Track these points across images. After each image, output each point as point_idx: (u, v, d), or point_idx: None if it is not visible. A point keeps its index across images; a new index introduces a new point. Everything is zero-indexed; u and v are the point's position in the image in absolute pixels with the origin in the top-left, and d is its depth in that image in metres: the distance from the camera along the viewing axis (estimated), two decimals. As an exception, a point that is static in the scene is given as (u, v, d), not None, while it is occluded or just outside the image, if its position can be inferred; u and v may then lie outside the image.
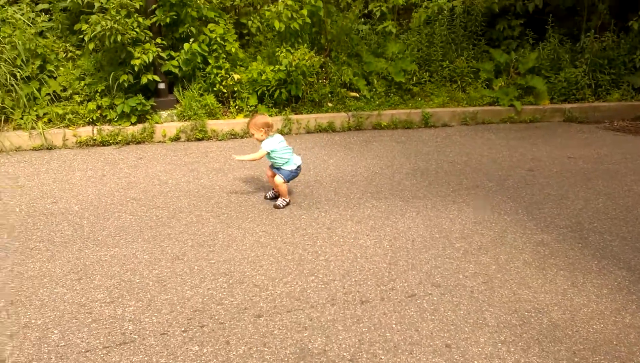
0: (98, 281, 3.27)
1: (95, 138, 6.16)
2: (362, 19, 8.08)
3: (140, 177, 5.15)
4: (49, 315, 2.92)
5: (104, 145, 6.16)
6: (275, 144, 4.35)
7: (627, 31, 7.99)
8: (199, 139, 6.45)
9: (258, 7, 7.53)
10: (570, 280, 3.24)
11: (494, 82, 7.86)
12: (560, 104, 7.73)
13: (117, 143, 6.20)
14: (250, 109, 6.84)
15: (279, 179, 4.36)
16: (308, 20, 6.82)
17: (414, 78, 7.64)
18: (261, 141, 4.39)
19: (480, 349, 2.62)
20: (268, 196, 4.55)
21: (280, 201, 4.41)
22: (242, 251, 3.63)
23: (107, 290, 3.16)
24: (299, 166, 4.45)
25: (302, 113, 6.99)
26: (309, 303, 3.00)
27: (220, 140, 6.48)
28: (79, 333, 2.77)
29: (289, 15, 6.65)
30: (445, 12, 7.83)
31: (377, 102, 7.26)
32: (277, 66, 6.78)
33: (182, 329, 2.79)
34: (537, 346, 2.64)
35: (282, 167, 4.41)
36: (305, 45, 6.93)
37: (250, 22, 7.53)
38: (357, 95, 7.33)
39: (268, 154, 4.36)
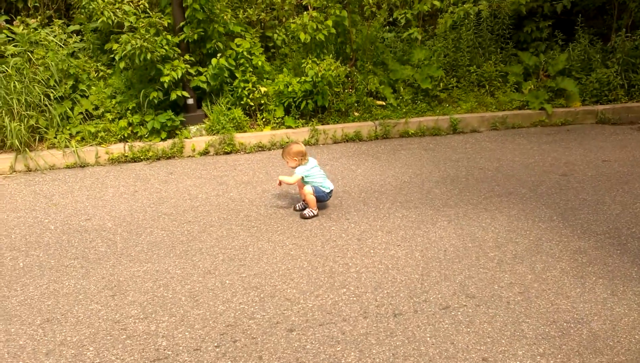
0: (132, 297, 3.31)
1: (126, 154, 6.28)
2: (387, 27, 8.06)
3: (171, 192, 5.21)
4: (84, 332, 2.96)
5: (135, 161, 6.27)
6: (309, 169, 4.46)
7: (661, 29, 7.77)
8: (227, 153, 6.50)
9: (283, 20, 7.58)
10: (610, 289, 3.13)
11: (523, 85, 7.72)
12: (592, 106, 7.54)
13: (148, 159, 6.30)
14: (277, 121, 6.87)
15: (308, 188, 4.37)
16: (333, 30, 6.84)
17: (441, 84, 7.56)
18: (295, 168, 4.46)
19: (518, 362, 2.55)
20: (297, 208, 4.56)
21: (307, 212, 4.40)
22: (272, 264, 3.63)
23: (141, 306, 3.19)
24: (331, 191, 4.53)
25: (328, 123, 6.99)
26: (341, 316, 2.97)
27: (248, 153, 6.52)
28: (113, 350, 2.80)
29: (314, 27, 6.68)
30: (472, 16, 7.74)
31: (404, 110, 7.21)
32: (303, 77, 6.80)
33: (215, 344, 2.79)
34: (577, 358, 2.56)
35: (316, 185, 4.46)
36: (331, 55, 6.94)
37: (275, 35, 7.59)
38: (384, 103, 7.30)
39: (302, 178, 4.48)
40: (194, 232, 4.25)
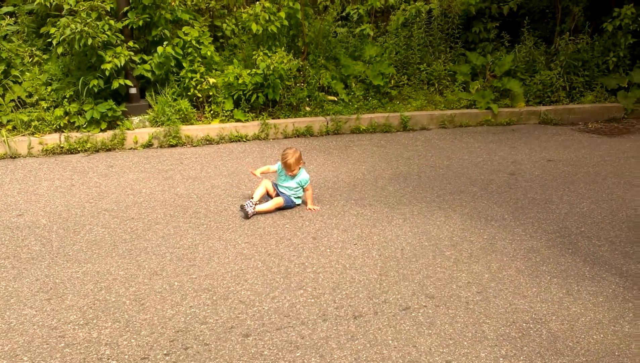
0: (70, 301, 3.05)
1: (62, 145, 5.88)
2: (340, 22, 7.97)
3: (112, 186, 4.91)
4: (17, 340, 2.69)
5: (72, 153, 5.88)
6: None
7: (601, 33, 8.07)
8: (172, 146, 6.22)
9: (234, 9, 7.33)
10: (565, 288, 3.16)
11: (471, 85, 7.84)
12: (535, 107, 7.75)
13: (86, 151, 5.93)
14: (226, 114, 6.64)
15: (280, 200, 4.31)
16: (286, 22, 6.67)
17: (392, 81, 7.55)
18: (295, 174, 4.36)
19: (480, 365, 2.51)
20: (246, 205, 4.30)
21: (248, 207, 4.20)
22: (224, 265, 3.45)
23: (81, 311, 2.94)
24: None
25: (279, 118, 6.83)
26: (299, 319, 2.84)
27: (195, 146, 6.26)
28: (50, 359, 2.55)
29: (267, 18, 6.48)
30: (423, 14, 7.77)
31: (356, 106, 7.15)
32: (254, 70, 6.60)
33: (165, 352, 2.60)
34: (539, 360, 2.55)
35: (292, 198, 4.35)
36: (283, 48, 6.77)
37: (225, 25, 7.34)
38: (335, 99, 7.21)
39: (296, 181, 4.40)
40: (138, 230, 3.99)
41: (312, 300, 3.02)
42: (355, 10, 7.85)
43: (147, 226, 4.06)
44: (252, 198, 4.35)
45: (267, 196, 4.47)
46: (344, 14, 7.89)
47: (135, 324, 2.82)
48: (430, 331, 2.74)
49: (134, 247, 3.71)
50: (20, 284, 3.22)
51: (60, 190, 4.81)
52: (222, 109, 6.66)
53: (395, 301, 3.01)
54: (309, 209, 4.36)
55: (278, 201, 4.31)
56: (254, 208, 4.22)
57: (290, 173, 4.33)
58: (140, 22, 6.07)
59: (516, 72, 7.95)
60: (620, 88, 7.98)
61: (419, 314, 2.88)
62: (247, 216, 4.16)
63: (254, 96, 6.62)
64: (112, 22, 5.85)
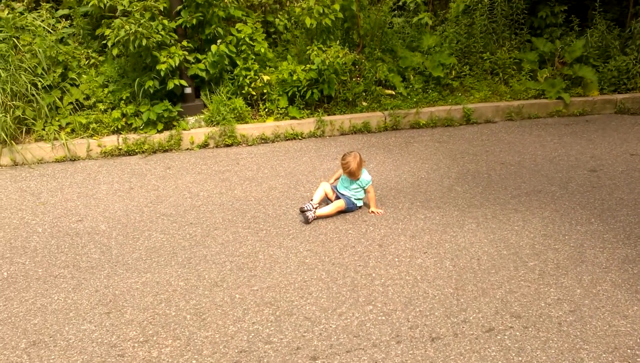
0: (129, 314, 2.93)
1: (120, 147, 5.86)
2: (396, 12, 7.63)
3: (170, 189, 4.81)
4: (75, 359, 2.58)
5: (129, 155, 5.86)
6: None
7: (683, 14, 7.38)
8: (228, 145, 6.10)
9: (288, 3, 7.12)
10: (673, 306, 2.78)
11: (539, 73, 7.34)
12: (610, 95, 7.17)
13: (143, 152, 5.89)
14: (280, 111, 6.46)
15: (341, 203, 4.06)
16: (340, 15, 6.40)
17: (453, 72, 7.16)
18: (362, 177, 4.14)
19: (582, 399, 2.20)
20: (306, 208, 4.08)
21: (310, 214, 3.99)
22: (286, 275, 3.25)
23: (140, 326, 2.81)
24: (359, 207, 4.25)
25: (335, 114, 6.58)
26: (370, 340, 2.60)
27: (250, 145, 6.12)
28: (111, 382, 2.42)
29: (320, 11, 6.24)
30: (485, 0, 7.31)
31: (415, 99, 6.81)
32: (308, 65, 6.38)
33: (228, 376, 2.42)
34: (652, 394, 2.21)
35: (353, 199, 4.11)
36: (338, 42, 6.51)
37: (277, 20, 7.15)
38: (393, 93, 6.90)
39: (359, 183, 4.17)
40: (197, 236, 3.86)
41: (383, 318, 2.78)
42: (412, -2, 7.49)
43: (205, 231, 3.92)
44: (311, 199, 4.13)
45: (327, 199, 4.24)
46: (400, 2, 7.53)
47: (197, 342, 2.66)
48: (520, 358, 2.44)
49: (193, 255, 3.57)
50: (80, 296, 3.13)
51: (119, 194, 4.76)
52: (277, 107, 6.48)
53: (476, 320, 2.72)
54: (372, 212, 4.10)
55: (339, 204, 4.08)
56: (314, 212, 4.00)
57: (355, 179, 4.08)
58: (194, 21, 5.96)
59: (588, 59, 7.37)
60: None
61: (505, 337, 2.58)
62: (307, 222, 3.95)
63: (309, 92, 6.40)
64: (165, 21, 5.76)
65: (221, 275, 3.29)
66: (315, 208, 4.03)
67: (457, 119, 6.70)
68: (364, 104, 6.74)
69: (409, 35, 7.50)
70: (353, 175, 4.06)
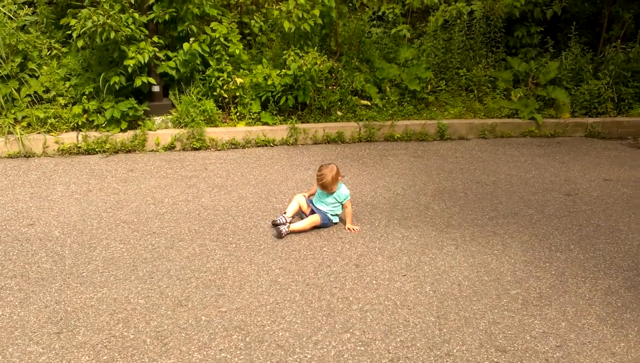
0: (82, 336, 2.64)
1: (80, 145, 5.51)
2: (375, 22, 7.51)
3: (132, 194, 4.51)
4: (19, 387, 2.29)
5: (89, 153, 5.51)
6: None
7: (653, 42, 7.52)
8: (195, 149, 5.82)
9: (266, 5, 6.89)
10: (660, 344, 2.69)
11: (513, 92, 7.34)
12: (582, 118, 7.23)
13: (104, 152, 5.55)
14: (252, 116, 6.23)
15: (316, 218, 3.85)
16: (320, 21, 6.23)
17: (429, 86, 7.08)
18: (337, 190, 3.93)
19: None
20: (279, 222, 3.86)
21: (284, 228, 3.77)
22: (257, 296, 3.03)
23: (94, 350, 2.54)
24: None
25: (309, 122, 6.40)
26: (348, 373, 2.41)
27: (219, 150, 5.86)
28: (57, 416, 2.15)
29: (300, 15, 6.05)
30: (464, 16, 7.28)
31: (390, 111, 6.69)
32: (283, 70, 6.18)
33: (192, 412, 2.18)
34: None
35: (329, 215, 3.91)
36: (315, 48, 6.33)
37: (252, 22, 6.93)
38: (369, 103, 6.76)
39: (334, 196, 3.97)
40: (160, 247, 3.59)
41: (362, 348, 2.59)
42: (391, 9, 7.38)
43: (170, 243, 3.66)
44: (284, 212, 3.92)
45: (301, 212, 4.04)
46: (379, 12, 7.42)
47: (157, 371, 2.40)
48: (509, 398, 2.29)
49: (155, 269, 3.30)
50: (27, 311, 2.83)
51: (76, 196, 4.43)
52: (249, 111, 6.25)
53: (460, 354, 2.56)
54: (348, 229, 3.92)
55: (314, 219, 3.88)
56: (288, 226, 3.79)
57: (329, 192, 3.89)
58: (166, 17, 5.67)
59: (561, 81, 7.43)
60: (672, 101, 7.42)
61: (492, 373, 2.44)
62: (280, 236, 3.73)
63: (283, 98, 6.20)
64: (136, 15, 5.46)
65: (186, 293, 3.04)
66: (289, 222, 3.82)
67: (431, 134, 6.61)
68: (339, 113, 6.58)
69: (387, 47, 7.39)
70: (326, 188, 3.87)
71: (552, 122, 7.07)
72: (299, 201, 4.00)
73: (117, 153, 5.59)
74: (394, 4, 7.53)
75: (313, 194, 4.08)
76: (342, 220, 4.02)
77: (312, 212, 3.95)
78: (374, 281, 3.20)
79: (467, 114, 7.03)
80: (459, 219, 4.18)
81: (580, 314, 2.92)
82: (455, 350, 2.58)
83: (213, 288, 3.09)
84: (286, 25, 6.04)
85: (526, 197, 4.72)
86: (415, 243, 3.73)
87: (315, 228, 3.89)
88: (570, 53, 7.51)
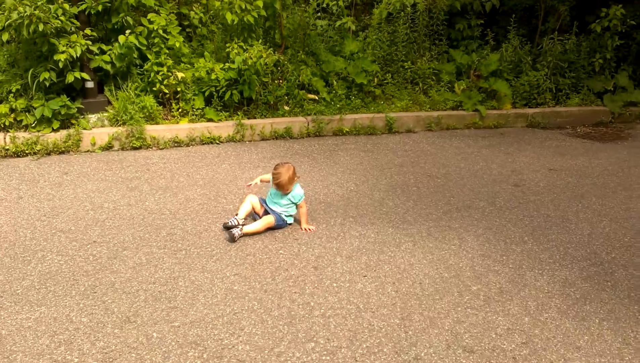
0: (20, 362, 2.38)
1: (7, 147, 5.09)
2: (320, 14, 7.38)
3: (68, 199, 4.19)
4: None
5: (18, 156, 5.10)
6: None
7: (586, 33, 7.79)
8: (135, 148, 5.51)
9: (206, -5, 6.61)
10: (620, 336, 2.72)
11: (456, 84, 7.41)
12: (523, 109, 7.41)
13: (35, 154, 5.15)
14: (196, 113, 5.97)
15: (271, 219, 3.66)
16: (263, 12, 6.02)
17: (375, 80, 7.03)
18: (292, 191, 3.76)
19: None
20: (231, 224, 3.67)
21: (236, 231, 3.60)
22: (213, 307, 2.84)
23: (33, 379, 2.28)
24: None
25: (255, 117, 6.20)
26: (316, 387, 2.28)
27: (161, 149, 5.57)
28: None
29: (242, 7, 5.83)
30: (408, 9, 7.27)
31: (338, 105, 6.59)
32: (227, 64, 5.95)
33: None
34: None
35: (283, 216, 3.73)
36: (260, 40, 6.13)
37: (192, 13, 6.63)
38: (316, 97, 6.63)
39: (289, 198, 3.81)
40: (102, 258, 3.32)
41: (328, 358, 2.47)
42: (335, 1, 7.27)
43: (113, 252, 3.39)
44: (236, 214, 3.73)
45: (254, 213, 3.87)
46: (323, 4, 7.29)
47: (107, 398, 2.19)
48: (481, 402, 2.23)
49: (98, 282, 3.05)
50: (-48, 339, 2.52)
51: (5, 204, 4.06)
52: (192, 107, 5.98)
53: (428, 357, 2.49)
54: (304, 229, 3.78)
55: (268, 220, 3.72)
56: (241, 229, 3.61)
57: (284, 193, 3.74)
58: (99, 7, 5.32)
59: (502, 73, 7.57)
60: (606, 91, 7.74)
61: (463, 376, 2.38)
62: (233, 240, 3.55)
63: (228, 93, 5.97)
64: (66, 5, 5.07)
65: (134, 308, 2.81)
66: (242, 224, 3.64)
67: (379, 127, 6.57)
68: (286, 108, 6.42)
69: (332, 39, 7.28)
70: (282, 188, 3.72)
71: (495, 114, 7.20)
72: (252, 201, 3.82)
73: (49, 154, 5.20)
74: (339, -5, 7.42)
75: (264, 181, 3.92)
76: (297, 220, 3.88)
77: (266, 212, 3.79)
78: (335, 284, 3.09)
79: (414, 107, 7.04)
80: (414, 214, 4.14)
81: (542, 308, 2.92)
82: (422, 354, 2.51)
83: (164, 301, 2.88)
84: (229, 17, 5.81)
85: (477, 189, 4.75)
86: (372, 241, 3.65)
87: (269, 229, 3.73)
88: (509, 45, 7.66)
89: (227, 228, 3.59)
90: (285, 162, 3.74)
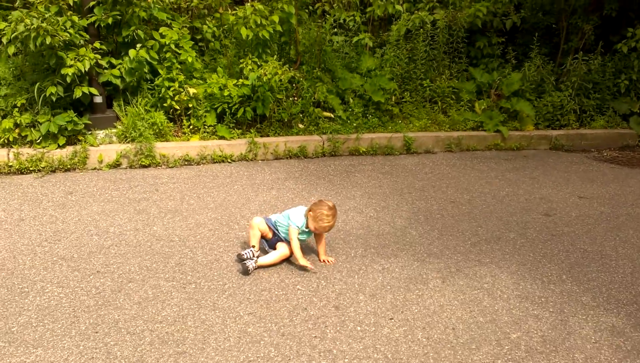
0: (8, 419, 2.11)
1: (11, 163, 4.88)
2: (336, 29, 7.17)
3: (71, 222, 3.95)
4: None
5: (22, 173, 4.89)
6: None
7: (611, 53, 7.52)
8: (144, 166, 5.27)
9: (220, 10, 6.40)
10: (683, 397, 2.42)
11: (477, 104, 7.16)
12: (546, 131, 7.13)
13: (39, 171, 4.94)
14: (207, 130, 5.74)
15: (286, 251, 3.45)
16: (279, 28, 5.81)
17: (393, 98, 6.78)
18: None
19: None
20: (245, 256, 3.39)
21: (250, 263, 3.33)
22: (225, 352, 2.57)
23: None
24: None
25: (269, 135, 5.96)
26: None
27: (171, 167, 5.34)
28: None
29: (257, 22, 5.61)
30: (427, 25, 7.04)
31: (354, 124, 6.35)
32: (241, 80, 5.73)
33: None
34: None
35: (291, 217, 3.49)
36: (275, 57, 5.91)
37: (205, 27, 6.43)
38: (332, 115, 6.39)
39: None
40: (106, 291, 3.06)
41: (356, 420, 2.18)
42: (352, 17, 7.05)
43: (117, 284, 3.13)
44: (252, 246, 3.46)
45: (262, 240, 3.57)
46: (340, 20, 7.07)
47: None
48: None
49: (100, 320, 2.78)
50: (-64, 387, 2.26)
51: (6, 226, 3.83)
52: (204, 124, 5.76)
53: (470, 422, 2.19)
54: (323, 261, 3.50)
55: (284, 252, 3.44)
56: (256, 261, 3.34)
57: (321, 233, 3.47)
58: (109, 20, 5.11)
59: (524, 92, 7.30)
60: (632, 113, 7.45)
61: None
62: (247, 273, 3.28)
63: (241, 110, 5.74)
64: (75, 18, 4.88)
65: (139, 352, 2.54)
66: (257, 257, 3.37)
67: (397, 147, 6.31)
68: (301, 126, 6.18)
69: (348, 56, 7.05)
70: (324, 230, 3.43)
71: (517, 135, 6.92)
72: (259, 227, 3.51)
73: (54, 172, 4.98)
74: (354, 11, 7.20)
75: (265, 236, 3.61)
76: (315, 251, 3.60)
77: (275, 235, 3.50)
78: (359, 328, 2.81)
79: (432, 127, 6.79)
80: (440, 246, 3.86)
81: (591, 362, 2.62)
82: (463, 417, 2.22)
83: (171, 344, 2.61)
84: (244, 32, 5.60)
85: (505, 218, 4.46)
86: (397, 277, 3.36)
87: (284, 261, 3.46)
88: (532, 64, 7.39)
89: (242, 260, 3.32)
90: (324, 201, 3.43)
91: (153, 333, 2.68)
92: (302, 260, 3.34)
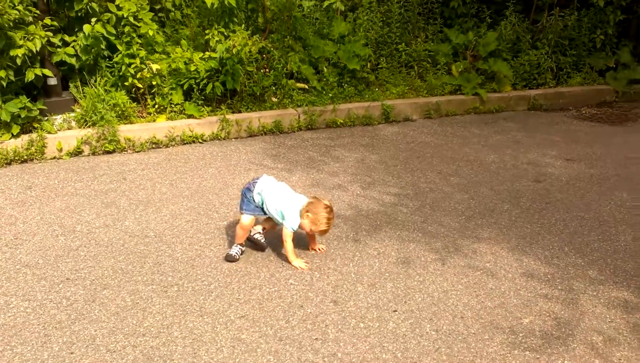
0: None
1: (-41, 158, 4.42)
2: (305, -7, 6.77)
3: (33, 222, 3.58)
4: None
5: (-27, 168, 4.44)
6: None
7: (588, 8, 7.33)
8: (109, 152, 4.89)
9: (181, -24, 5.92)
10: None
11: (454, 66, 6.92)
12: (523, 91, 6.98)
13: (-7, 165, 4.50)
14: (174, 109, 5.35)
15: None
16: (246, -6, 5.39)
17: (369, 65, 6.48)
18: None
19: None
20: (236, 257, 3.12)
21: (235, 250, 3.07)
22: (219, 365, 2.32)
23: None
24: None
25: (241, 111, 5.60)
26: None
27: (138, 152, 4.96)
28: None
29: (222, -12, 5.18)
30: (401, -15, 6.71)
31: (330, 94, 6.04)
32: (207, 53, 5.33)
33: None
34: None
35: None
36: (243, 26, 5.50)
37: (164, -4, 5.95)
38: (306, 87, 6.06)
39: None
40: (79, 302, 2.76)
41: None
42: (321, -21, 6.65)
43: (90, 293, 2.83)
44: (241, 244, 3.17)
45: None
46: (309, -17, 6.67)
47: None
48: None
49: (75, 337, 2.49)
50: None
51: (-43, 231, 3.44)
52: (170, 103, 5.36)
53: None
54: (314, 250, 3.26)
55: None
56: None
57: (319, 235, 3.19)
58: (59, -7, 4.62)
59: (501, 53, 7.09)
60: (608, 68, 7.34)
61: None
62: (233, 260, 3.02)
63: (209, 85, 5.36)
64: (21, -8, 4.38)
65: (122, 373, 2.27)
66: (243, 252, 3.09)
67: (375, 117, 6.05)
68: (274, 99, 5.84)
69: (319, 21, 6.67)
70: (322, 234, 3.15)
71: (495, 97, 6.76)
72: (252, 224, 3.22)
73: (9, 164, 4.55)
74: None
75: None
76: (304, 239, 3.34)
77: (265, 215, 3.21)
78: (362, 324, 2.59)
79: (410, 93, 6.54)
80: (434, 223, 3.65)
81: (611, 344, 2.47)
82: (487, 422, 2.04)
83: (158, 361, 2.34)
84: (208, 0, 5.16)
85: (495, 187, 4.29)
86: (395, 262, 3.15)
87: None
88: (508, 23, 7.16)
89: (233, 261, 3.04)
90: (323, 197, 3.12)
91: (136, 349, 2.41)
92: (295, 262, 3.07)
